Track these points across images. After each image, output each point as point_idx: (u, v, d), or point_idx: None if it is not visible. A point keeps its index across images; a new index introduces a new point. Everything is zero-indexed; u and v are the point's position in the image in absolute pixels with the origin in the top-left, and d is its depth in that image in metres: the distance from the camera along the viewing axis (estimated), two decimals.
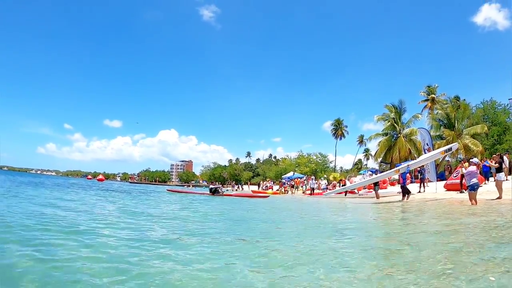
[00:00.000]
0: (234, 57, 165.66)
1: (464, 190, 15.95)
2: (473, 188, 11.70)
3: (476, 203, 11.46)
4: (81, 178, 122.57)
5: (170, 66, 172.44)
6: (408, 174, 19.07)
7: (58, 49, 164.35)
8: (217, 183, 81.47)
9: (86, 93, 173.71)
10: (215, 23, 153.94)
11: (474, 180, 11.72)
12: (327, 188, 30.13)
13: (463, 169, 13.59)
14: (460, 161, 23.88)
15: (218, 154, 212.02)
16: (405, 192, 16.58)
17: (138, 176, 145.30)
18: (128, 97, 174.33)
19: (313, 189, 29.12)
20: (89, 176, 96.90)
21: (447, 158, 33.87)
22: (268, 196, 24.26)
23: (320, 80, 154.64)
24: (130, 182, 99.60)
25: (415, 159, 30.11)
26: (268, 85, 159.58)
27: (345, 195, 23.31)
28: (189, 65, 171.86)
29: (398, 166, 30.94)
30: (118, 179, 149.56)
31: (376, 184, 20.26)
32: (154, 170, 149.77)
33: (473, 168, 12.05)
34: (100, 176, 70.72)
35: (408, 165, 18.06)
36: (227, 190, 48.56)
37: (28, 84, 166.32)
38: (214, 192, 24.87)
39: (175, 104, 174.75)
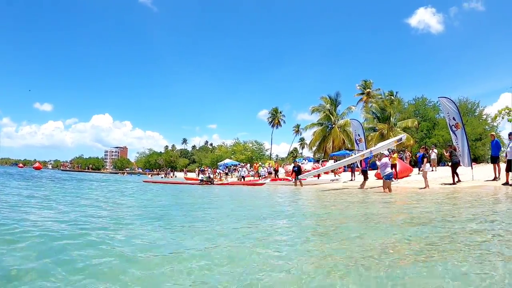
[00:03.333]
0: (171, 42, 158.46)
1: (394, 179, 16.05)
2: (389, 177, 12.38)
3: (390, 191, 12.10)
4: (11, 166, 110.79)
5: (104, 48, 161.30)
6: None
7: None
8: (154, 170, 79.50)
9: (14, 75, 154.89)
10: (151, 5, 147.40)
11: (388, 170, 12.42)
12: (265, 176, 29.59)
13: (377, 161, 13.68)
14: (390, 153, 24.34)
15: (154, 141, 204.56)
16: (366, 177, 16.13)
17: (70, 163, 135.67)
18: (60, 79, 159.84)
19: (243, 177, 28.48)
20: (20, 164, 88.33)
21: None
22: (264, 184, 22.55)
23: (258, 69, 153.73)
24: (62, 170, 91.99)
25: (349, 148, 30.46)
26: (205, 72, 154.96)
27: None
28: (124, 49, 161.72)
29: (332, 155, 31.17)
30: (50, 166, 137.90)
31: (298, 173, 19.91)
32: (87, 157, 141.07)
33: (385, 159, 12.72)
34: (37, 164, 65.47)
35: (371, 150, 17.75)
36: (161, 177, 46.92)
37: None
38: (208, 181, 22.36)
39: (109, 87, 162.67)
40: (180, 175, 51.44)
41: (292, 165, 26.88)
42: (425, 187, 13.09)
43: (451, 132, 14.50)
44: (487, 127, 34.19)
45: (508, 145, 11.97)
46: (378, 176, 18.84)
